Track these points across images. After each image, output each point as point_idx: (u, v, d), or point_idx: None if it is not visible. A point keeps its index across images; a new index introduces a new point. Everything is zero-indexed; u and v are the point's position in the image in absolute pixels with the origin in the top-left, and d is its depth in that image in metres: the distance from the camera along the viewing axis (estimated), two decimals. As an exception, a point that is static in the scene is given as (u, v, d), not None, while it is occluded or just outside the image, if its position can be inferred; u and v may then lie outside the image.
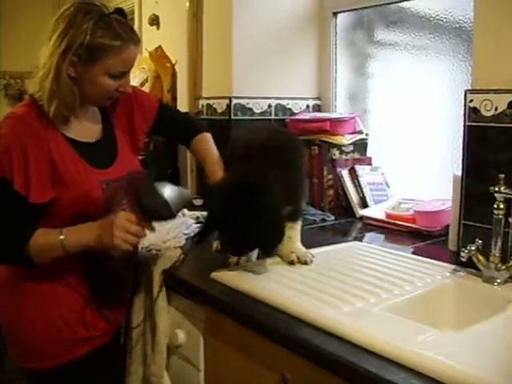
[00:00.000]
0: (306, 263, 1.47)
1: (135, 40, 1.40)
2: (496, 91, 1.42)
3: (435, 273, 1.43)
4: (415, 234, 1.92)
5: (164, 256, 1.58)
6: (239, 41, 2.28)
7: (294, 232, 1.50)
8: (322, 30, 2.48)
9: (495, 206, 1.32)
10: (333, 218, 2.16)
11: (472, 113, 1.47)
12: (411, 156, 2.28)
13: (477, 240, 1.36)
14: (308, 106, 2.49)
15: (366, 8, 2.36)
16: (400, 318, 1.15)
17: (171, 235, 1.77)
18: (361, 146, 2.33)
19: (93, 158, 1.43)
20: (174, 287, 1.52)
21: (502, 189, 1.30)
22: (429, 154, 2.24)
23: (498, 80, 1.42)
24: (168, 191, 1.34)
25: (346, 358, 1.02)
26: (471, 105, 1.47)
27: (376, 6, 2.31)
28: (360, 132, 2.32)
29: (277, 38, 2.39)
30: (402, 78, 2.29)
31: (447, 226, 1.86)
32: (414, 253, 1.69)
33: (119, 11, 1.39)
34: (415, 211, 1.96)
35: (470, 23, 1.98)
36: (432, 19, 2.13)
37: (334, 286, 1.32)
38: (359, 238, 1.90)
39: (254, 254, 1.51)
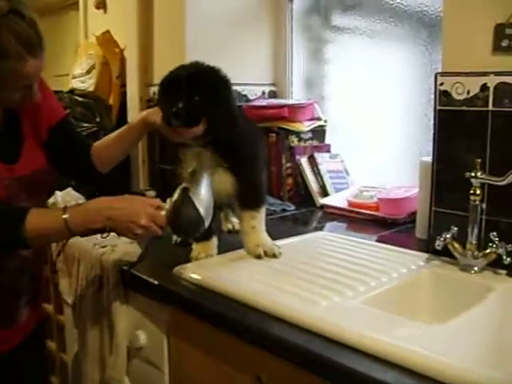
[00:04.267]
0: (274, 256, 1.39)
1: (36, 50, 1.15)
2: (468, 74, 1.37)
3: (409, 262, 1.38)
4: (379, 223, 1.87)
5: (120, 252, 1.47)
6: (192, 25, 2.18)
7: (256, 222, 1.40)
8: (277, 15, 2.40)
9: (471, 191, 1.27)
10: (293, 207, 2.09)
11: (443, 96, 1.42)
12: (370, 143, 2.24)
13: (452, 227, 1.32)
14: (264, 93, 2.41)
15: (323, -9, 2.29)
16: (380, 312, 1.09)
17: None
18: (319, 133, 2.27)
19: None
20: (133, 285, 1.41)
21: (479, 174, 1.25)
22: (388, 141, 2.20)
23: (469, 62, 1.38)
24: (203, 209, 1.26)
25: (328, 356, 0.95)
26: (442, 88, 1.42)
27: (333, -11, 2.25)
28: (318, 119, 2.26)
29: (231, 22, 2.29)
30: (360, 64, 2.24)
31: (412, 214, 1.84)
32: (380, 241, 1.64)
33: (14, 12, 1.11)
34: (378, 199, 1.91)
35: (432, 8, 1.95)
36: (392, 3, 2.08)
37: (308, 280, 1.24)
38: (322, 228, 1.84)
39: (215, 248, 1.42)
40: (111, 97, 2.40)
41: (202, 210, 1.25)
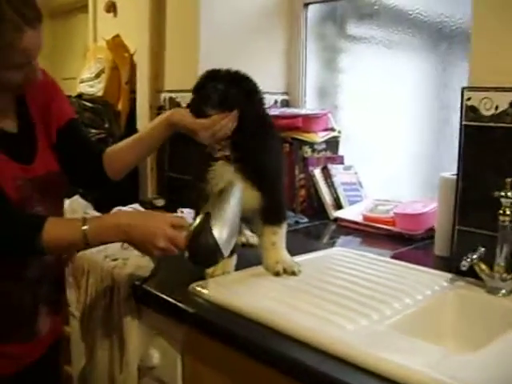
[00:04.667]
0: (293, 274, 1.34)
1: (33, 21, 1.09)
2: (497, 89, 1.33)
3: (432, 282, 1.33)
4: (395, 238, 1.82)
5: (132, 265, 1.42)
6: (206, 31, 2.14)
7: (277, 238, 1.36)
8: (291, 22, 2.35)
9: (501, 211, 1.22)
10: (306, 220, 2.04)
11: (470, 111, 1.38)
12: (383, 154, 2.20)
13: (479, 248, 1.27)
14: (276, 102, 2.37)
15: (338, 0, 2.25)
16: (410, 337, 1.04)
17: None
18: (333, 143, 2.22)
19: (12, 149, 1.21)
20: (145, 301, 1.36)
21: (510, 194, 1.21)
22: (401, 153, 2.16)
23: (498, 77, 1.33)
24: (225, 234, 1.21)
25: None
26: (469, 103, 1.38)
27: (349, -2, 2.21)
28: (332, 129, 2.21)
29: (244, 29, 2.25)
30: (375, 74, 2.20)
31: (429, 229, 1.79)
32: (398, 258, 1.59)
33: None
34: (395, 213, 1.86)
35: (453, 19, 1.90)
36: (410, 13, 2.04)
37: (331, 301, 1.19)
38: (335, 243, 1.80)
39: (232, 265, 1.37)
40: (120, 103, 2.36)
41: (223, 237, 1.19)
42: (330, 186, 2.11)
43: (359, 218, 1.97)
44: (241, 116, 1.26)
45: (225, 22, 2.18)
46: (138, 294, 1.36)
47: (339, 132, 2.22)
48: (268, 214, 1.33)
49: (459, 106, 1.40)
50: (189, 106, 1.34)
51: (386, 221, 1.89)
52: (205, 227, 1.18)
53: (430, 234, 1.79)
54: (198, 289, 1.28)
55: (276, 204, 1.36)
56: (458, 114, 1.36)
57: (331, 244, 1.77)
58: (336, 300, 1.20)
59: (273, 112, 2.24)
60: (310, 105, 2.39)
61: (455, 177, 1.57)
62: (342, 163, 2.21)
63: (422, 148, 2.09)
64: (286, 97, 2.40)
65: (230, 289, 1.27)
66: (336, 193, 2.09)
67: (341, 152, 2.25)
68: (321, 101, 2.40)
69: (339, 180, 2.11)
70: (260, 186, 1.31)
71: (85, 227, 1.14)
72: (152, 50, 2.29)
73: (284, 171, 1.47)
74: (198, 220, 1.21)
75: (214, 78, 1.30)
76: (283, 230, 1.37)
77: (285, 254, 1.37)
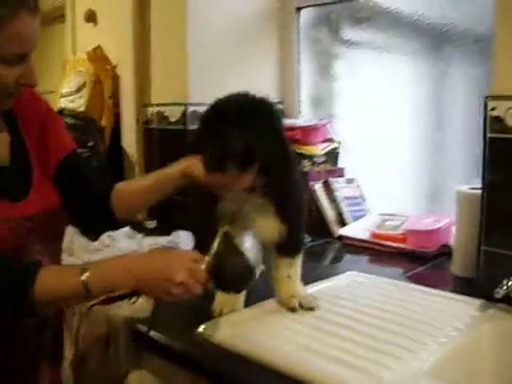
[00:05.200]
0: (311, 309, 1.21)
1: (30, 3, 0.97)
2: (525, 97, 1.22)
3: (461, 313, 1.21)
4: (406, 256, 1.71)
5: (130, 305, 1.28)
6: (194, 39, 2.00)
7: (293, 270, 1.23)
8: (284, 28, 2.23)
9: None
10: (309, 239, 1.91)
11: (494, 123, 1.26)
12: (383, 165, 2.08)
13: (516, 273, 1.16)
14: (270, 112, 2.23)
15: (332, 3, 2.13)
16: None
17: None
18: (332, 155, 2.10)
19: (2, 183, 1.06)
20: (147, 346, 1.21)
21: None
22: (401, 164, 2.05)
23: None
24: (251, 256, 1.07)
25: None
26: (493, 113, 1.27)
27: (344, 1, 2.10)
28: (331, 140, 2.09)
29: (235, 37, 2.12)
30: (372, 80, 2.09)
31: (443, 246, 1.68)
32: (415, 280, 1.48)
33: None
34: (406, 230, 1.75)
35: (452, 23, 1.82)
36: (407, 18, 1.93)
37: (357, 342, 1.06)
38: (347, 264, 1.68)
39: (241, 301, 1.24)
40: (103, 118, 2.21)
41: (251, 249, 1.07)
42: (333, 201, 1.98)
43: (366, 235, 1.85)
44: (264, 154, 1.09)
45: (213, 30, 2.05)
46: (139, 339, 1.21)
47: (339, 143, 2.10)
48: (286, 245, 1.20)
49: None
50: (195, 148, 1.17)
51: (396, 238, 1.77)
52: (228, 246, 1.04)
53: (442, 250, 1.69)
54: (205, 331, 1.14)
55: (296, 236, 1.23)
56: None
57: (339, 266, 1.65)
58: (362, 340, 1.07)
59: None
60: (305, 114, 2.27)
61: (474, 191, 1.48)
62: (342, 176, 2.09)
63: (422, 158, 1.99)
64: (280, 106, 2.27)
65: (242, 330, 1.13)
66: (339, 208, 1.97)
67: (340, 164, 2.13)
68: (316, 109, 2.28)
69: (342, 194, 1.99)
70: (284, 217, 1.18)
71: (84, 276, 0.96)
72: (136, 62, 2.14)
73: (305, 202, 1.34)
74: (216, 242, 1.06)
75: (227, 116, 1.07)
76: (299, 261, 1.25)
77: (300, 288, 1.25)
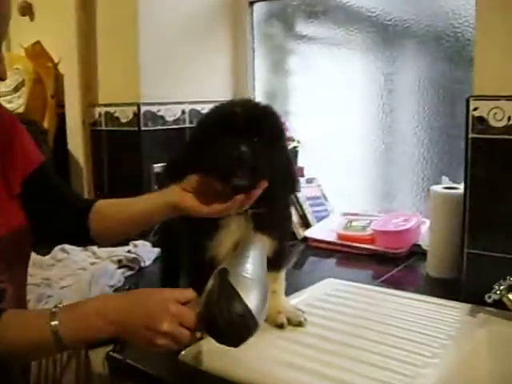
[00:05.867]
0: (299, 325, 1.14)
1: None
2: (509, 98, 1.19)
3: (451, 319, 1.18)
4: (376, 258, 1.68)
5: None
6: (146, 35, 1.87)
7: (278, 285, 1.16)
8: (236, 23, 2.14)
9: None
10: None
11: (477, 123, 1.23)
12: (339, 164, 2.05)
13: (509, 278, 1.13)
14: (225, 111, 2.14)
15: (285, -2, 2.07)
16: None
17: (94, 293, 1.35)
18: (292, 155, 2.03)
19: None
20: (123, 375, 1.11)
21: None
22: (358, 162, 2.02)
23: (509, 85, 1.19)
24: (254, 297, 0.88)
25: None
26: (476, 114, 1.23)
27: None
28: (291, 139, 2.03)
29: (187, 33, 2.00)
30: (327, 76, 2.04)
31: (412, 246, 1.66)
32: (392, 283, 1.46)
33: None
34: (375, 230, 1.71)
35: (398, 20, 1.81)
36: (366, 13, 1.89)
37: (354, 358, 1.01)
38: (318, 269, 1.62)
39: None
40: (46, 119, 2.05)
41: (252, 301, 0.86)
42: (295, 202, 1.92)
43: (332, 237, 1.80)
44: (272, 169, 1.00)
45: (165, 25, 1.93)
46: (113, 367, 1.10)
47: (298, 142, 2.04)
48: (273, 260, 1.12)
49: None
50: (188, 163, 1.04)
51: (364, 239, 1.73)
52: (225, 289, 0.87)
53: (412, 250, 1.67)
54: (189, 356, 1.05)
55: (283, 250, 1.17)
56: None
57: (311, 272, 1.59)
58: (358, 356, 1.02)
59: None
60: (260, 112, 2.19)
61: (450, 191, 1.46)
62: (302, 176, 2.03)
63: (374, 156, 1.97)
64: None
65: (228, 352, 1.04)
66: (302, 209, 1.91)
67: (299, 163, 2.07)
68: (270, 107, 2.20)
69: (304, 195, 1.93)
70: (275, 234, 1.10)
71: (54, 322, 0.83)
72: (81, 58, 1.99)
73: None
74: (210, 282, 0.89)
75: (235, 126, 0.98)
76: (283, 275, 1.18)
77: (286, 302, 1.18)
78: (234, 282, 0.87)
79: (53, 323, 0.82)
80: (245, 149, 0.94)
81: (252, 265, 0.94)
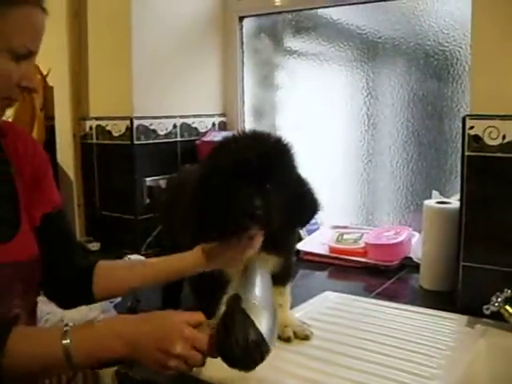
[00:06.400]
0: (306, 338, 1.16)
1: (41, 2, 0.92)
2: (503, 117, 1.24)
3: (450, 331, 1.22)
4: (369, 270, 1.71)
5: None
6: (139, 49, 1.88)
7: (284, 299, 1.19)
8: (226, 38, 2.16)
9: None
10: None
11: (473, 141, 1.28)
12: (326, 177, 2.08)
13: (506, 290, 1.17)
14: (214, 124, 2.16)
15: (276, 13, 2.09)
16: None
17: (94, 309, 1.34)
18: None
19: None
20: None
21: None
22: (341, 175, 2.06)
23: (504, 105, 1.24)
24: (265, 321, 0.90)
25: None
26: (472, 132, 1.28)
27: (288, 11, 2.06)
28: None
29: (178, 47, 2.02)
30: (314, 90, 2.08)
31: (403, 259, 1.70)
32: (386, 296, 1.49)
33: None
34: (368, 244, 1.74)
35: (388, 37, 1.87)
36: (353, 29, 1.94)
37: (363, 370, 1.04)
38: (311, 282, 1.64)
39: None
40: (34, 132, 2.03)
41: (264, 327, 0.88)
42: (286, 215, 1.94)
43: (324, 250, 1.82)
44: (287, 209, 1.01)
45: (158, 39, 1.94)
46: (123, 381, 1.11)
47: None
48: (279, 275, 1.13)
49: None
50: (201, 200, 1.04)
51: (357, 252, 1.76)
52: (240, 318, 0.88)
53: (403, 263, 1.71)
54: (198, 370, 1.06)
55: (289, 266, 1.19)
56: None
57: (308, 285, 1.60)
58: (365, 368, 1.05)
59: (212, 137, 2.05)
60: (248, 126, 2.22)
61: (444, 206, 1.50)
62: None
63: (357, 170, 2.01)
64: (223, 118, 2.20)
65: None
66: (293, 222, 1.93)
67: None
68: (259, 121, 2.23)
69: (294, 208, 1.95)
70: (281, 252, 1.13)
71: (66, 341, 0.82)
72: (72, 70, 1.98)
73: None
74: (222, 308, 0.93)
75: (248, 169, 0.97)
76: (289, 289, 1.21)
77: (292, 316, 1.20)
78: (247, 309, 0.89)
79: (64, 342, 0.83)
80: (258, 202, 0.94)
81: (261, 290, 0.96)
